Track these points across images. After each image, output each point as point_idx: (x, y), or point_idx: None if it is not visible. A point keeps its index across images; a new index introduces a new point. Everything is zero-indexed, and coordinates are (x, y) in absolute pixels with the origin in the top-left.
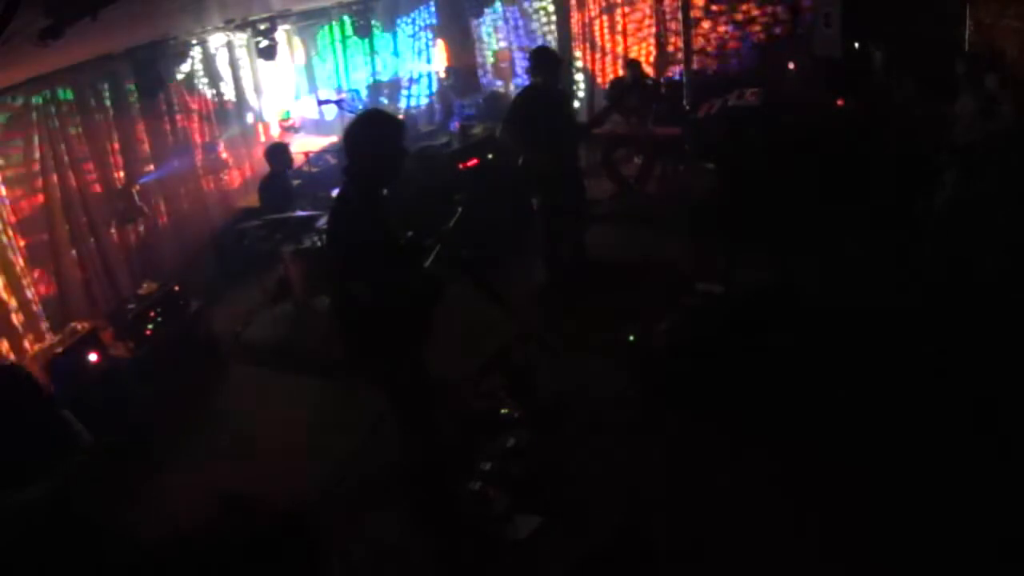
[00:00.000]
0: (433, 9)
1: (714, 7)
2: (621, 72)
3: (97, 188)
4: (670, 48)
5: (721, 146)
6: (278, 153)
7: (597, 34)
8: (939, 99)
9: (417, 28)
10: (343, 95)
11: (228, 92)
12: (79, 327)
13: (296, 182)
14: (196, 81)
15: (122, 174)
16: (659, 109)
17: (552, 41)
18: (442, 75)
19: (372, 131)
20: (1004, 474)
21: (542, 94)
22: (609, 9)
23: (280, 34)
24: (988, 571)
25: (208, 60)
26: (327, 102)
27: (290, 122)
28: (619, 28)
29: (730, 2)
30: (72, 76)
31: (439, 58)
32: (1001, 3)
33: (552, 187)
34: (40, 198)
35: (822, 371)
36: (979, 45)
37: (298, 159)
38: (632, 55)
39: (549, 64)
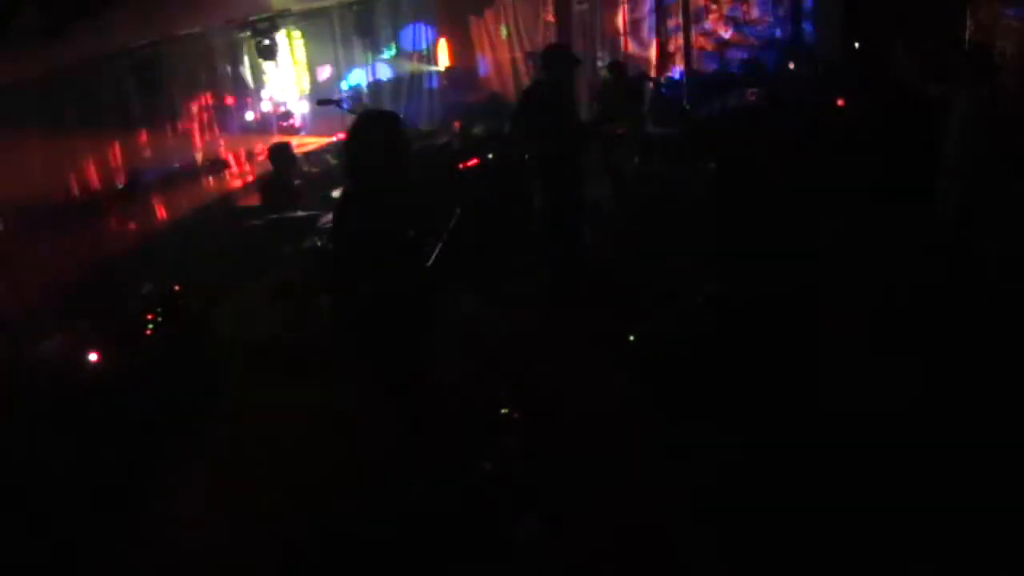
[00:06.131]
0: (434, 9)
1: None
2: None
3: (97, 188)
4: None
5: (721, 146)
6: (280, 153)
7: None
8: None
9: (417, 28)
10: (343, 95)
11: (228, 92)
12: (79, 327)
13: (296, 182)
14: (196, 81)
15: (122, 174)
16: (658, 108)
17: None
18: (442, 75)
19: (372, 130)
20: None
21: (550, 92)
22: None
23: (281, 34)
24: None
25: (208, 60)
26: (327, 102)
27: (290, 122)
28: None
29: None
30: (73, 75)
31: (440, 58)
32: (1001, 3)
33: (554, 186)
34: (40, 197)
35: (823, 372)
36: (978, 45)
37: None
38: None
39: (562, 63)
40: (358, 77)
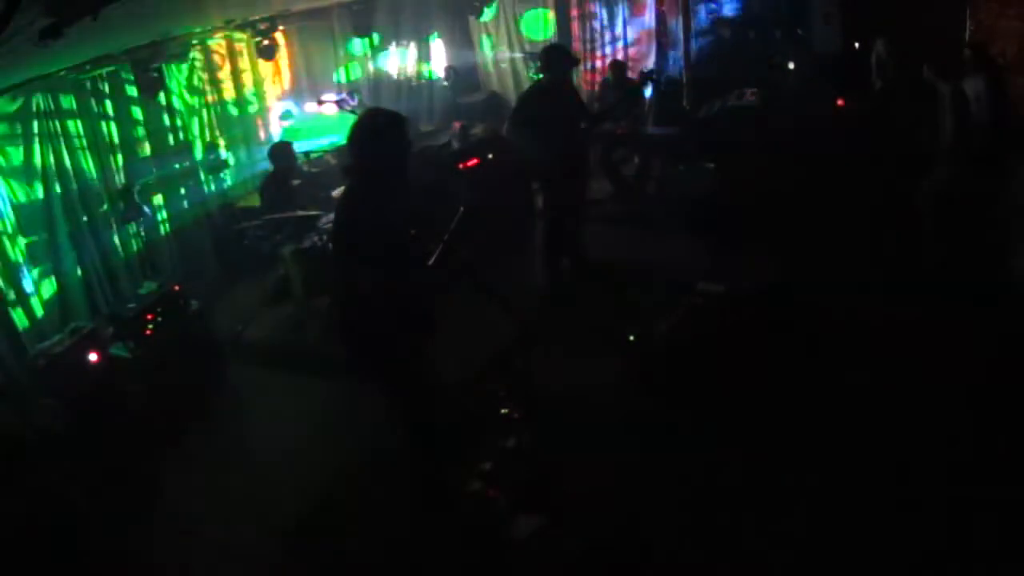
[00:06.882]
0: (433, 9)
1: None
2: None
3: (97, 188)
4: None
5: (721, 146)
6: (281, 152)
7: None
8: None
9: (418, 27)
10: (343, 95)
11: (228, 92)
12: (79, 327)
13: (296, 182)
14: (196, 81)
15: (122, 174)
16: (659, 109)
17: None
18: (442, 75)
19: (377, 129)
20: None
21: (551, 92)
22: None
23: (280, 34)
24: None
25: (208, 60)
26: (327, 102)
27: (290, 121)
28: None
29: None
30: (72, 76)
31: (439, 58)
32: (1001, 3)
33: (557, 186)
34: (40, 197)
35: (822, 370)
36: (975, 44)
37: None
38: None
39: (560, 61)
40: (358, 77)
